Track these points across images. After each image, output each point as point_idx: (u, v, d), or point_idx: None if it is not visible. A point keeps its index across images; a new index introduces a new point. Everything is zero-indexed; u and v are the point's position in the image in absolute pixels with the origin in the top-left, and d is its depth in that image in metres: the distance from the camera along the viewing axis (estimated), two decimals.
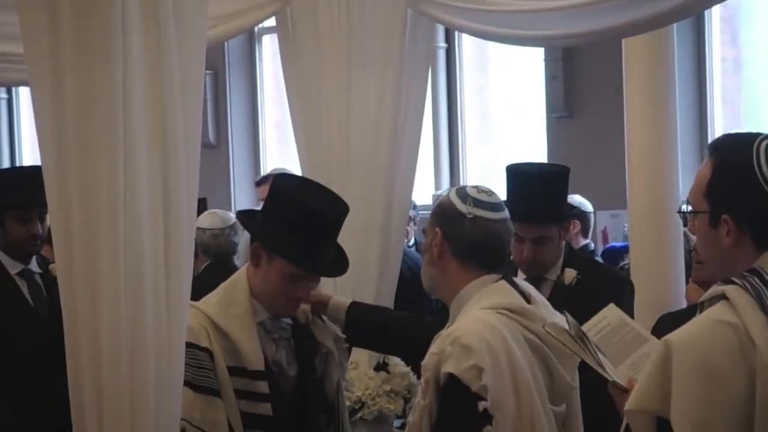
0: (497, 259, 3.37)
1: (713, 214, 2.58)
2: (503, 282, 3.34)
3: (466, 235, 3.33)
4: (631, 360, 3.05)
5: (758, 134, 2.61)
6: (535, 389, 3.19)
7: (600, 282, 4.61)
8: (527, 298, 3.35)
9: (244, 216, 3.82)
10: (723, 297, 2.51)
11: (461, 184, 9.96)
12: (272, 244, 3.60)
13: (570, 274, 4.63)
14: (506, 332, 3.18)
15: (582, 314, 4.13)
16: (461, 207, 3.35)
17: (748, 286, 2.48)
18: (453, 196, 3.40)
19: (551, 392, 3.26)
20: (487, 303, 3.25)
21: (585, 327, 3.10)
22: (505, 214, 3.40)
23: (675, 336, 2.49)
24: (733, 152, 2.59)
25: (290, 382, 3.68)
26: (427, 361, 3.22)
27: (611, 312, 3.15)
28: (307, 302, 3.73)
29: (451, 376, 3.12)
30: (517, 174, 4.68)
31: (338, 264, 3.74)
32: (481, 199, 3.37)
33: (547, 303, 3.42)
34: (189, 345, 3.38)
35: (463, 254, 3.33)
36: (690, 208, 2.66)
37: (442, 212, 3.39)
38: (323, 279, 4.94)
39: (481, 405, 3.09)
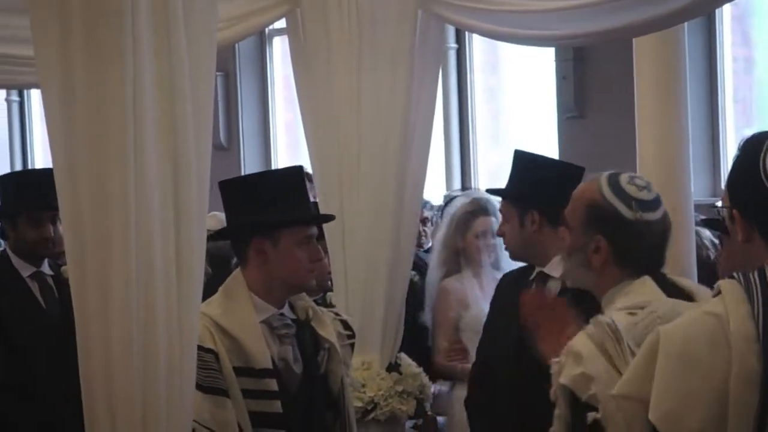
0: (659, 261, 3.16)
1: (730, 210, 2.61)
2: (646, 278, 3.10)
3: (634, 244, 3.09)
4: None
5: None
6: None
7: None
8: (686, 293, 3.09)
9: (219, 233, 3.83)
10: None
11: (472, 184, 9.96)
12: (269, 224, 3.62)
13: None
14: (627, 334, 2.93)
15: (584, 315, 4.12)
16: (627, 213, 3.10)
17: (742, 279, 2.50)
18: (611, 197, 3.12)
19: None
20: (623, 303, 3.05)
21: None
22: (663, 207, 3.18)
23: (665, 326, 2.54)
24: (746, 149, 2.60)
25: (296, 378, 3.69)
26: (552, 369, 3.01)
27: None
28: (322, 258, 3.74)
29: (563, 386, 2.92)
30: (527, 160, 4.61)
31: (325, 214, 3.87)
32: (643, 198, 3.14)
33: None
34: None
35: (626, 260, 3.11)
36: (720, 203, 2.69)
37: (603, 218, 3.11)
38: (336, 283, 4.99)
39: (590, 416, 2.83)
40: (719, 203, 2.69)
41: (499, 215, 4.79)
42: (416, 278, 5.82)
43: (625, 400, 2.57)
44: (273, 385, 3.57)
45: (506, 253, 4.82)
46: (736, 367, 2.43)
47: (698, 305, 2.62)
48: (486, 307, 4.84)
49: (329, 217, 4.01)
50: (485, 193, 5.59)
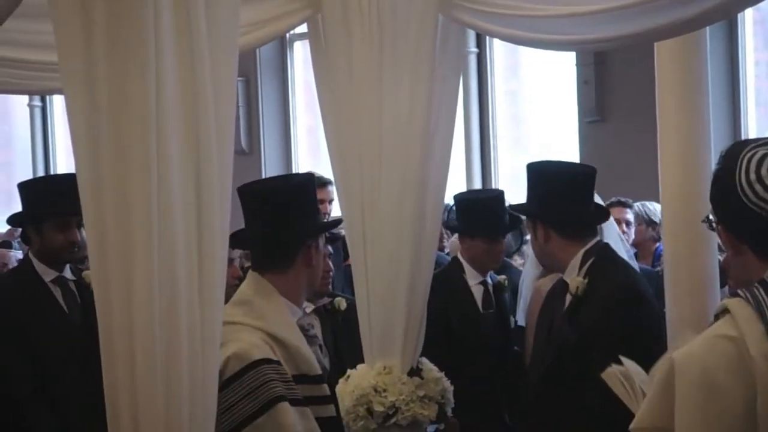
0: None
1: (716, 223, 2.57)
2: None
3: None
4: None
5: (756, 140, 2.54)
6: None
7: (601, 292, 4.48)
8: None
9: (273, 242, 3.66)
10: (729, 311, 2.48)
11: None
12: (318, 227, 3.69)
13: (574, 282, 4.52)
14: None
15: (587, 332, 4.14)
16: None
17: (750, 298, 2.45)
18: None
19: None
20: None
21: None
22: None
23: (678, 353, 2.48)
24: (726, 161, 2.54)
25: (327, 375, 3.72)
26: None
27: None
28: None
29: None
30: (536, 173, 4.68)
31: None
32: None
33: None
34: (269, 361, 3.42)
35: None
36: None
37: None
38: (357, 288, 5.02)
39: None
40: (711, 216, 2.62)
41: None
42: None
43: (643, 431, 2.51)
44: (326, 389, 3.59)
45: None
46: (762, 392, 2.38)
47: (709, 330, 2.53)
48: None
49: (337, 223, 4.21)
50: None
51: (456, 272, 5.80)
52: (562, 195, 4.56)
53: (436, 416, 5.14)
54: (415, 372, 5.09)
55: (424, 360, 5.15)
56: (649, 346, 3.95)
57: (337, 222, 4.05)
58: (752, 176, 2.47)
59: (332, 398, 3.62)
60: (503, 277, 5.96)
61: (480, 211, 5.65)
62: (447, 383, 5.13)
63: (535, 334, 4.78)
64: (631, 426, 2.54)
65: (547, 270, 5.01)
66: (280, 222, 3.65)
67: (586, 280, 4.48)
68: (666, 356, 2.52)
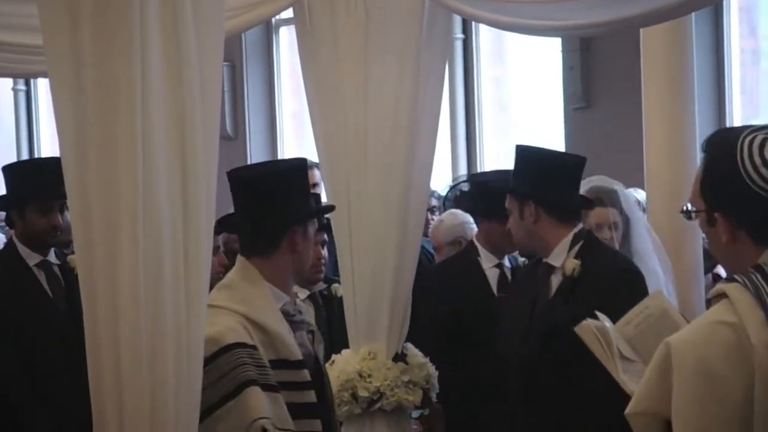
0: None
1: (709, 213, 2.55)
2: None
3: None
4: None
5: (746, 128, 2.55)
6: None
7: (598, 273, 4.46)
8: None
9: (260, 228, 3.69)
10: (725, 295, 2.48)
11: (460, 177, 9.96)
12: (307, 213, 3.65)
13: (570, 263, 4.49)
14: None
15: (583, 310, 4.13)
16: None
17: (749, 284, 2.45)
18: None
19: None
20: None
21: (626, 317, 3.05)
22: None
23: (675, 338, 2.48)
24: (720, 148, 2.54)
25: (313, 363, 3.72)
26: None
27: (654, 301, 3.09)
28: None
29: None
30: (527, 154, 4.67)
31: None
32: None
33: None
34: (243, 345, 3.43)
35: None
36: (692, 207, 2.61)
37: None
38: (342, 274, 5.02)
39: None
40: (690, 206, 2.61)
41: (624, 206, 4.99)
42: None
43: (638, 416, 2.51)
44: (306, 375, 3.59)
45: (641, 253, 4.94)
46: (761, 379, 2.38)
47: (706, 314, 2.53)
48: None
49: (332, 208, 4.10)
50: (608, 180, 5.29)
51: (470, 256, 5.70)
52: (555, 178, 4.55)
53: (420, 401, 5.15)
54: (399, 357, 5.09)
55: (409, 345, 5.16)
56: None
57: (326, 209, 4.00)
58: (757, 160, 2.48)
59: (312, 384, 3.60)
60: (523, 260, 5.84)
61: (496, 192, 5.43)
62: (432, 368, 5.14)
63: (510, 319, 4.74)
64: (627, 410, 2.53)
65: (523, 253, 4.95)
66: (265, 207, 3.66)
67: (579, 262, 4.48)
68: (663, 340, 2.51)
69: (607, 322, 3.12)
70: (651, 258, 5.10)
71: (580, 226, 4.65)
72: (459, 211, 6.40)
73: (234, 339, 3.45)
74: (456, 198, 6.35)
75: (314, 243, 3.76)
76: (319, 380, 3.72)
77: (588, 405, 4.31)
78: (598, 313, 3.12)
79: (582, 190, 5.05)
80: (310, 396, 3.60)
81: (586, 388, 4.26)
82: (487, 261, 5.62)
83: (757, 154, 2.49)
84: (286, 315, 3.67)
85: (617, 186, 5.26)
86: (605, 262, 4.52)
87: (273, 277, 3.65)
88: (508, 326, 4.71)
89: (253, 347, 3.48)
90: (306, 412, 3.57)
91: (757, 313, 2.42)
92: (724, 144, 2.53)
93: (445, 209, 6.83)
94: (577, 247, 4.52)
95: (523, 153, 4.70)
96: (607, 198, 5.17)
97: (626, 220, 5.14)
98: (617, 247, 5.04)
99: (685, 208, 2.64)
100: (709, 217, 2.55)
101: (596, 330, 2.99)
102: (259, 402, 3.39)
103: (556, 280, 4.53)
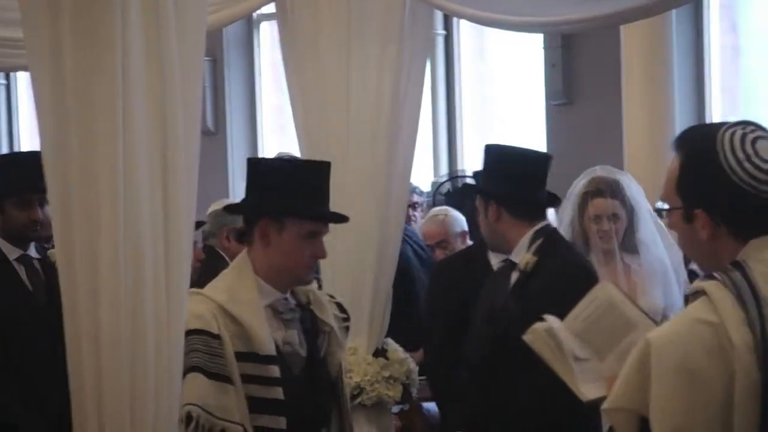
0: None
1: (687, 210, 2.53)
2: None
3: None
4: (619, 350, 2.99)
5: (722, 124, 2.54)
6: None
7: (550, 268, 4.46)
8: None
9: (231, 208, 3.90)
10: (704, 292, 2.47)
11: (460, 171, 9.97)
12: (280, 209, 3.62)
13: (524, 259, 4.49)
14: None
15: (533, 303, 4.14)
16: None
17: (728, 282, 2.44)
18: None
19: None
20: None
21: (574, 312, 3.05)
22: None
23: (655, 335, 2.46)
24: (698, 145, 2.53)
25: (301, 362, 3.70)
26: None
27: (602, 291, 3.09)
28: (324, 258, 3.74)
29: None
30: (493, 153, 4.70)
31: (340, 214, 3.75)
32: None
33: None
34: (201, 332, 3.44)
35: None
36: (665, 205, 2.60)
37: None
38: (323, 269, 4.99)
39: None
40: (664, 205, 2.60)
41: (629, 197, 5.05)
42: None
43: (616, 412, 2.49)
44: (276, 371, 3.57)
45: (648, 243, 4.97)
46: (741, 379, 2.37)
47: (686, 312, 2.51)
48: None
49: (341, 218, 3.81)
50: (612, 170, 5.24)
51: (478, 252, 5.70)
52: (516, 176, 4.58)
53: (401, 397, 5.16)
54: (380, 353, 5.10)
55: (389, 341, 5.17)
56: None
57: (325, 216, 3.73)
58: (740, 155, 2.48)
59: (281, 382, 3.58)
60: None
61: None
62: (412, 364, 5.14)
63: (475, 318, 4.74)
64: (604, 406, 2.52)
65: (494, 250, 4.96)
66: (247, 197, 3.70)
67: (536, 258, 4.49)
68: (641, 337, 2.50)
69: (555, 323, 3.11)
70: (657, 246, 5.11)
71: (544, 223, 4.65)
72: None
73: (195, 326, 3.46)
74: (459, 192, 6.36)
75: (305, 241, 3.67)
76: (299, 380, 3.68)
77: (539, 400, 4.29)
78: (546, 316, 3.13)
79: (584, 181, 5.09)
80: (277, 392, 3.57)
81: (538, 386, 4.23)
82: (495, 256, 5.64)
83: (739, 148, 2.48)
84: (276, 311, 3.66)
85: (621, 176, 5.24)
86: (560, 257, 4.53)
87: (260, 269, 3.65)
88: (474, 325, 4.70)
89: (217, 336, 3.49)
90: (270, 408, 3.56)
91: (737, 314, 2.41)
92: (704, 140, 2.52)
93: (445, 203, 6.85)
94: (536, 244, 4.54)
95: (489, 152, 4.74)
96: (607, 189, 5.16)
97: (631, 211, 5.14)
98: (619, 238, 5.07)
99: (658, 205, 2.64)
100: (687, 214, 2.53)
101: (546, 333, 2.98)
102: (196, 389, 3.40)
103: (514, 277, 4.54)
